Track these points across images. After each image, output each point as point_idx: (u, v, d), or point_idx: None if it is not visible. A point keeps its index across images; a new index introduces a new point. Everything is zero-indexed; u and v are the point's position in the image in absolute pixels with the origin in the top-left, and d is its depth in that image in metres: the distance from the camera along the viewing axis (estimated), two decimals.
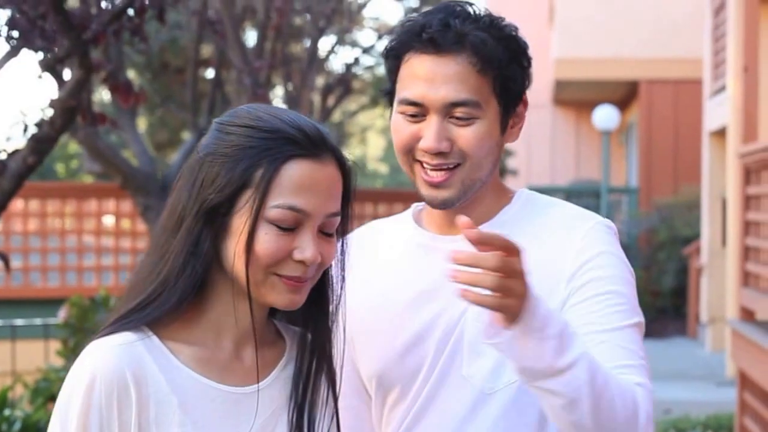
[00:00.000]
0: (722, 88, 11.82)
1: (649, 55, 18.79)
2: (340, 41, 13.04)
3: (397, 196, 12.73)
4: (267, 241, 1.58)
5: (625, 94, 21.15)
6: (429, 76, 1.84)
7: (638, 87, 19.37)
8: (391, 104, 1.93)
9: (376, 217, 11.87)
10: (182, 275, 1.61)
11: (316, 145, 1.63)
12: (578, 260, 1.86)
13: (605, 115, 17.76)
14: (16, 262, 10.82)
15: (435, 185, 1.87)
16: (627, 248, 17.55)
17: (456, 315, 1.87)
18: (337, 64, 12.51)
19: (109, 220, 12.28)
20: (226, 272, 1.64)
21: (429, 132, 1.85)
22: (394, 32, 1.96)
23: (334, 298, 1.72)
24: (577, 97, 22.53)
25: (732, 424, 7.44)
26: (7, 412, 5.92)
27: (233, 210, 1.60)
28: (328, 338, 1.73)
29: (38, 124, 4.32)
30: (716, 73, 12.57)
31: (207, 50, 11.01)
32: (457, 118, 1.85)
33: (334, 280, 1.73)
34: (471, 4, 1.90)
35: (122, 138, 12.62)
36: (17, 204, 11.10)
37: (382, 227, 2.08)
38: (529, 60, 1.92)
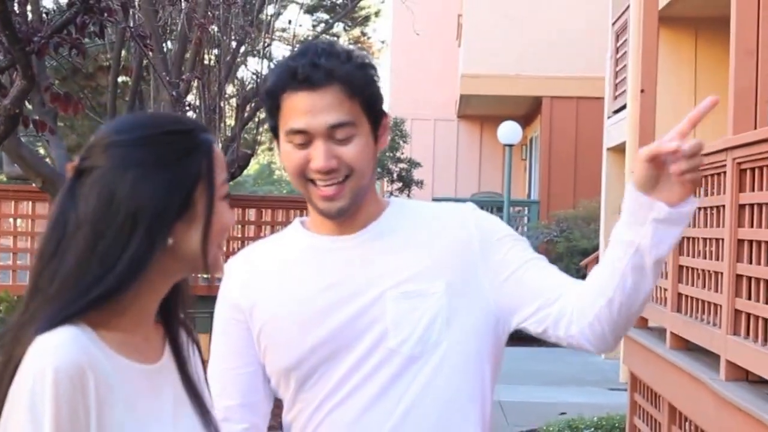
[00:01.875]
0: (622, 107, 12.32)
1: (551, 73, 19.42)
2: (252, 53, 13.35)
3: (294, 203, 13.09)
4: (224, 214, 1.80)
5: (528, 110, 21.80)
6: (309, 108, 2.11)
7: (540, 103, 20.00)
8: (276, 138, 2.22)
9: (273, 225, 12.25)
10: (135, 268, 1.72)
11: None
12: (487, 241, 2.24)
13: (508, 130, 18.31)
14: None
15: (329, 198, 2.14)
16: None
17: (371, 299, 2.18)
18: (247, 74, 12.76)
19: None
20: (172, 258, 1.78)
21: (318, 153, 2.11)
22: (270, 76, 2.24)
23: None
24: (481, 112, 23.13)
25: (623, 424, 7.92)
26: None
27: (189, 206, 1.77)
28: (188, 322, 1.95)
29: None
30: (616, 93, 13.14)
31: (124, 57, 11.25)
32: (339, 139, 2.12)
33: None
34: (330, 43, 2.22)
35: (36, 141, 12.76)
36: None
37: (269, 245, 2.36)
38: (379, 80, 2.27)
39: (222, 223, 1.80)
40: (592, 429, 7.39)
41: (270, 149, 30.59)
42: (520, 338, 12.42)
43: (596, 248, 15.17)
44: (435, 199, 20.60)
